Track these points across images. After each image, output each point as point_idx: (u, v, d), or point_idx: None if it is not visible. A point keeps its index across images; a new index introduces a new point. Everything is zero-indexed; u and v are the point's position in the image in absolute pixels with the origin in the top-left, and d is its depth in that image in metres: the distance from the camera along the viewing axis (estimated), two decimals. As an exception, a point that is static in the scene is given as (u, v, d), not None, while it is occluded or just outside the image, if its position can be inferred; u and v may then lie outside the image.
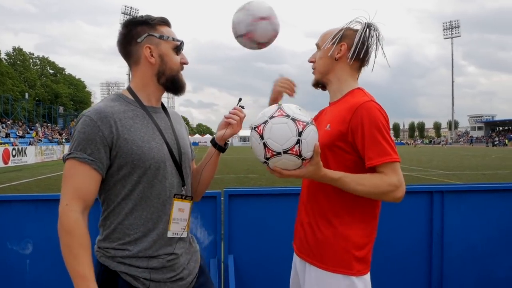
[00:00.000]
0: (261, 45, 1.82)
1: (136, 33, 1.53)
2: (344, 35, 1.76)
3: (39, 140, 34.66)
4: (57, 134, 41.80)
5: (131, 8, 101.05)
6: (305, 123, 1.50)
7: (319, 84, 1.86)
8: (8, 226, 2.63)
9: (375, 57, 1.81)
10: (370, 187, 1.57)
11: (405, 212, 2.93)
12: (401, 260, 2.90)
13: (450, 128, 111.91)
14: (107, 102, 1.50)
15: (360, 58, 1.77)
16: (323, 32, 1.85)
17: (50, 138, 37.99)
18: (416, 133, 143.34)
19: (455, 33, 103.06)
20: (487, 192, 3.03)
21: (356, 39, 1.74)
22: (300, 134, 1.48)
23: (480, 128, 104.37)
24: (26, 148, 26.46)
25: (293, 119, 1.49)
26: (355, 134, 1.62)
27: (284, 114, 1.50)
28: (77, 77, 72.12)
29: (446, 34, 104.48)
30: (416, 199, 2.95)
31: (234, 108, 1.69)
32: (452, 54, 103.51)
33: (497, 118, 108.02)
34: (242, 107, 1.71)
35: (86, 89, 75.96)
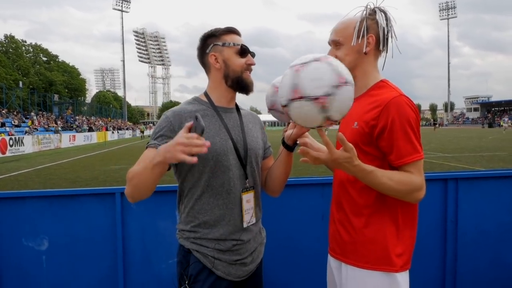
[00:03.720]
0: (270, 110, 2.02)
1: (205, 46, 1.77)
2: (368, 26, 1.68)
3: (35, 129, 34.41)
4: (53, 122, 41.53)
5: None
6: (346, 81, 1.43)
7: None
8: (23, 222, 2.61)
9: (392, 42, 1.75)
10: (399, 185, 1.53)
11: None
12: (416, 247, 2.90)
13: (446, 110, 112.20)
14: (183, 105, 1.78)
15: (384, 46, 1.73)
16: (336, 27, 1.74)
17: (46, 126, 37.73)
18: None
19: (451, 14, 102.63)
20: (500, 178, 3.02)
21: (381, 28, 1.68)
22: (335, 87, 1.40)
23: (476, 110, 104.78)
24: (23, 137, 26.32)
25: (336, 70, 1.42)
26: (383, 132, 1.56)
27: (328, 62, 1.43)
28: (70, 64, 71.30)
29: (442, 15, 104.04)
30: (431, 187, 2.90)
31: None
32: (448, 35, 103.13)
33: (492, 99, 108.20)
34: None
35: (81, 76, 75.21)
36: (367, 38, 1.68)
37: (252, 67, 1.79)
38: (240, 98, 1.88)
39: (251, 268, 1.79)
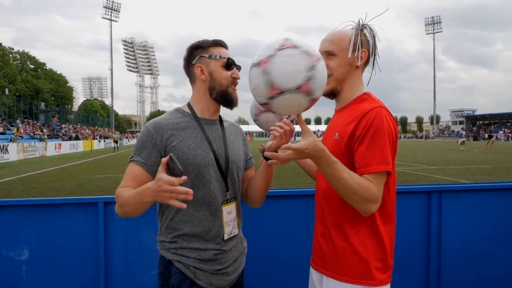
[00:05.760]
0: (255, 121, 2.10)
1: (192, 56, 1.77)
2: (362, 41, 1.70)
3: (20, 136, 33.90)
4: (39, 130, 40.98)
5: (113, 2, 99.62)
6: (318, 57, 1.43)
7: (333, 93, 1.77)
8: (3, 231, 2.55)
9: (378, 58, 1.79)
10: (358, 186, 1.49)
11: (404, 212, 2.92)
12: (400, 259, 2.90)
13: (432, 123, 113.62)
14: (166, 116, 1.77)
15: (371, 62, 1.77)
16: (330, 37, 1.74)
17: (31, 134, 37.19)
18: (399, 127, 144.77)
19: (437, 28, 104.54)
20: (484, 191, 3.06)
21: (371, 43, 1.72)
22: (312, 68, 1.39)
23: (461, 123, 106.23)
24: (7, 145, 25.87)
25: (306, 52, 1.41)
26: (358, 138, 1.58)
27: (294, 45, 1.42)
28: (58, 72, 70.65)
29: (428, 30, 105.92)
30: (414, 199, 2.96)
31: (283, 121, 1.67)
32: (434, 50, 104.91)
33: (477, 113, 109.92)
34: (292, 121, 1.69)
35: (68, 84, 74.52)
36: (361, 52, 1.71)
37: (238, 80, 1.79)
38: (227, 109, 1.85)
39: (233, 277, 1.79)
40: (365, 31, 1.74)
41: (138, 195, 1.49)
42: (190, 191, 1.35)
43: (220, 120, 1.88)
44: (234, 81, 1.76)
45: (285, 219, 2.80)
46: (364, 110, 1.60)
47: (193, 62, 1.76)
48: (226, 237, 1.75)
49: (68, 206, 2.62)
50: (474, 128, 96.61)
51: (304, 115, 1.65)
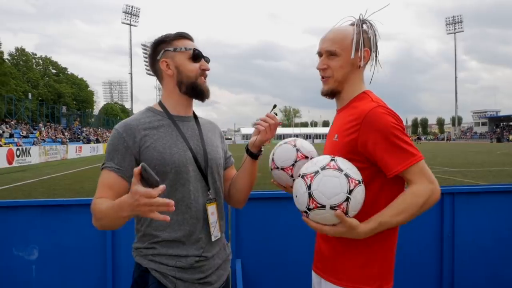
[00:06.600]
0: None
1: (156, 52, 1.69)
2: (364, 40, 1.63)
3: (43, 140, 34.68)
4: (61, 133, 41.86)
5: (132, 7, 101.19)
6: (357, 182, 1.42)
7: (333, 93, 1.71)
8: (13, 232, 2.61)
9: (378, 54, 1.71)
10: (410, 210, 1.45)
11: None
12: (412, 263, 2.85)
13: (453, 124, 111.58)
14: (136, 116, 1.67)
15: (373, 60, 1.70)
16: (332, 36, 1.66)
17: (53, 137, 38.02)
18: (419, 129, 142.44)
19: (458, 28, 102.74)
20: (498, 193, 2.99)
21: (372, 42, 1.65)
22: (350, 192, 1.39)
23: (484, 124, 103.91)
24: (30, 148, 26.51)
25: (346, 175, 1.41)
26: (367, 146, 1.51)
27: (337, 167, 1.43)
28: (79, 77, 72.15)
29: (449, 30, 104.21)
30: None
31: (266, 115, 1.67)
32: (455, 50, 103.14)
33: (501, 114, 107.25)
34: (276, 114, 1.68)
35: (89, 88, 76.02)
36: (364, 52, 1.64)
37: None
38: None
39: (216, 286, 1.68)
40: (365, 27, 1.66)
41: (115, 210, 1.37)
42: (171, 202, 1.23)
43: (195, 116, 1.80)
44: (203, 73, 1.68)
45: (292, 221, 2.77)
46: (362, 112, 1.54)
47: (158, 58, 1.68)
48: (213, 239, 1.66)
49: (76, 207, 2.66)
50: (498, 130, 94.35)
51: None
